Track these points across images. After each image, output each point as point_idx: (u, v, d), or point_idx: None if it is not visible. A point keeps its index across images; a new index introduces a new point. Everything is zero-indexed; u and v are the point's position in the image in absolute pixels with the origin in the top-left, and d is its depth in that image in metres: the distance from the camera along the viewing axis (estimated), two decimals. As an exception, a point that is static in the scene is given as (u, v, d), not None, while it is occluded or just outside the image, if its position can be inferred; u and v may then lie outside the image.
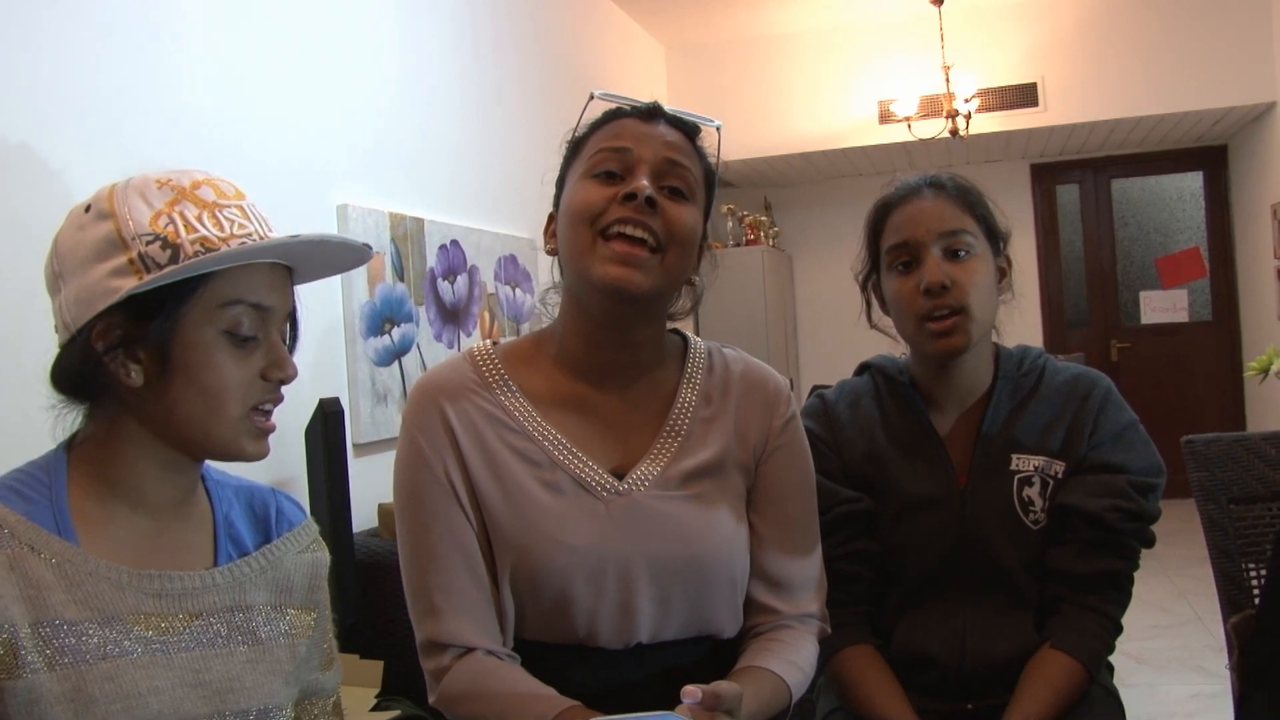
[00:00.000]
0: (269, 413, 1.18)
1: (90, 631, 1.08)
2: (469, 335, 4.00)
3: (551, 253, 1.44)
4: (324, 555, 1.31)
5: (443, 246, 3.84)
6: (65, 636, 1.07)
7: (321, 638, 1.30)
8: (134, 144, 2.48)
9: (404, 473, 1.38)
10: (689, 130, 1.41)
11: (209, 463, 1.23)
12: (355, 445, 3.23)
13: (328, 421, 2.78)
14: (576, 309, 1.40)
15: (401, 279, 3.57)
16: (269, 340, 1.16)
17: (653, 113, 1.39)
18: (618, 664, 1.35)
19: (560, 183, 1.44)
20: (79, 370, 1.11)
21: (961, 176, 1.71)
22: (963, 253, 1.63)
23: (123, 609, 1.11)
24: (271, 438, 1.20)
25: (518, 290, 4.42)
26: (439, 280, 3.81)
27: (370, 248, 1.25)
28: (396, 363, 3.52)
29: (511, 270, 4.37)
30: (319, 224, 3.11)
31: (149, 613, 1.13)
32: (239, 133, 2.85)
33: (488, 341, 1.48)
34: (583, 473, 1.37)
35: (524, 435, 1.38)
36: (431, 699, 1.35)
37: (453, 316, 3.90)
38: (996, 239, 1.69)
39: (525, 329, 4.45)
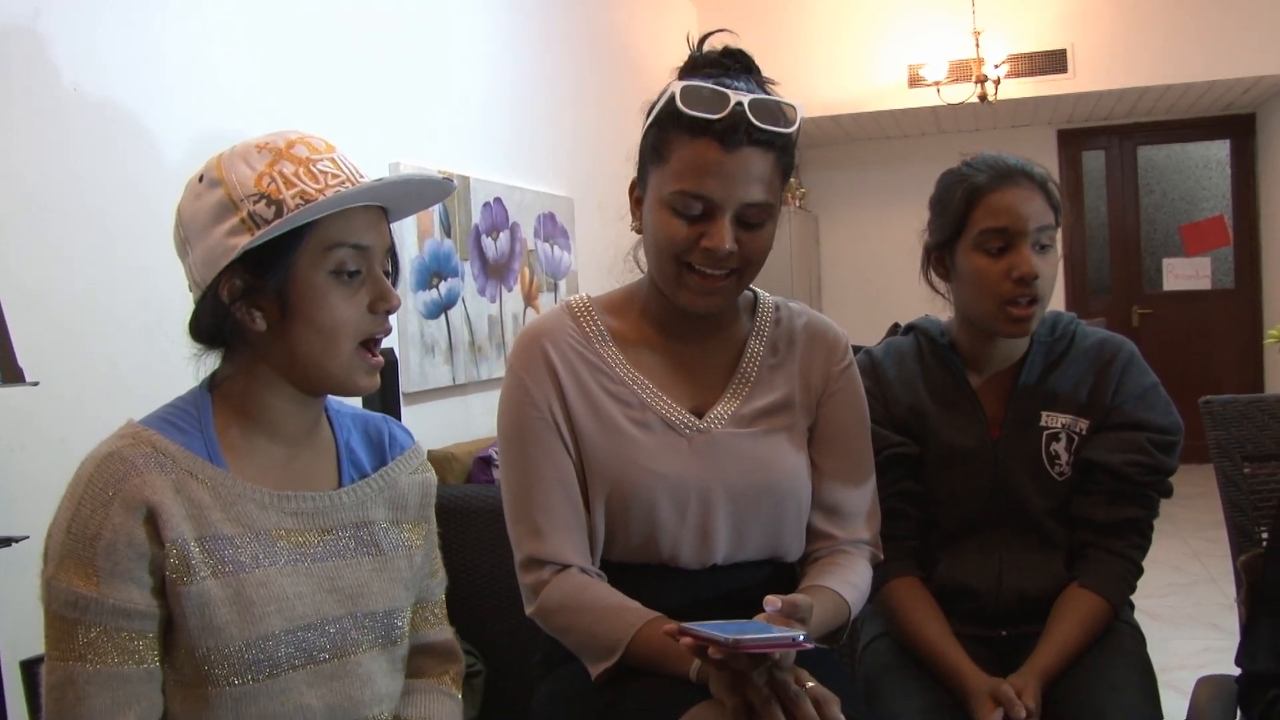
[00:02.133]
0: (378, 343, 1.31)
1: (244, 545, 1.24)
2: (510, 290, 4.13)
3: (637, 230, 1.55)
4: (432, 476, 1.46)
5: (486, 204, 3.96)
6: (225, 549, 1.22)
7: (431, 549, 1.46)
8: (209, 105, 2.61)
9: (510, 409, 1.52)
10: (773, 139, 1.42)
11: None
12: (405, 394, 3.37)
13: (385, 371, 2.90)
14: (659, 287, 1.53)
15: (448, 235, 3.69)
16: (373, 275, 1.28)
17: (734, 132, 1.38)
18: (695, 583, 1.50)
19: (644, 167, 1.50)
20: (212, 321, 1.25)
21: (1040, 166, 1.81)
22: (1047, 246, 1.75)
23: (268, 525, 1.26)
24: None
25: (555, 247, 4.54)
26: (483, 236, 3.94)
27: (452, 180, 1.36)
28: (443, 315, 3.66)
29: (550, 228, 4.49)
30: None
31: (289, 529, 1.28)
32: (299, 95, 2.97)
33: (584, 295, 1.61)
34: (667, 412, 1.52)
35: (615, 379, 1.53)
36: (529, 610, 1.49)
37: (495, 272, 4.02)
38: (1060, 226, 1.81)
39: (563, 285, 4.57)
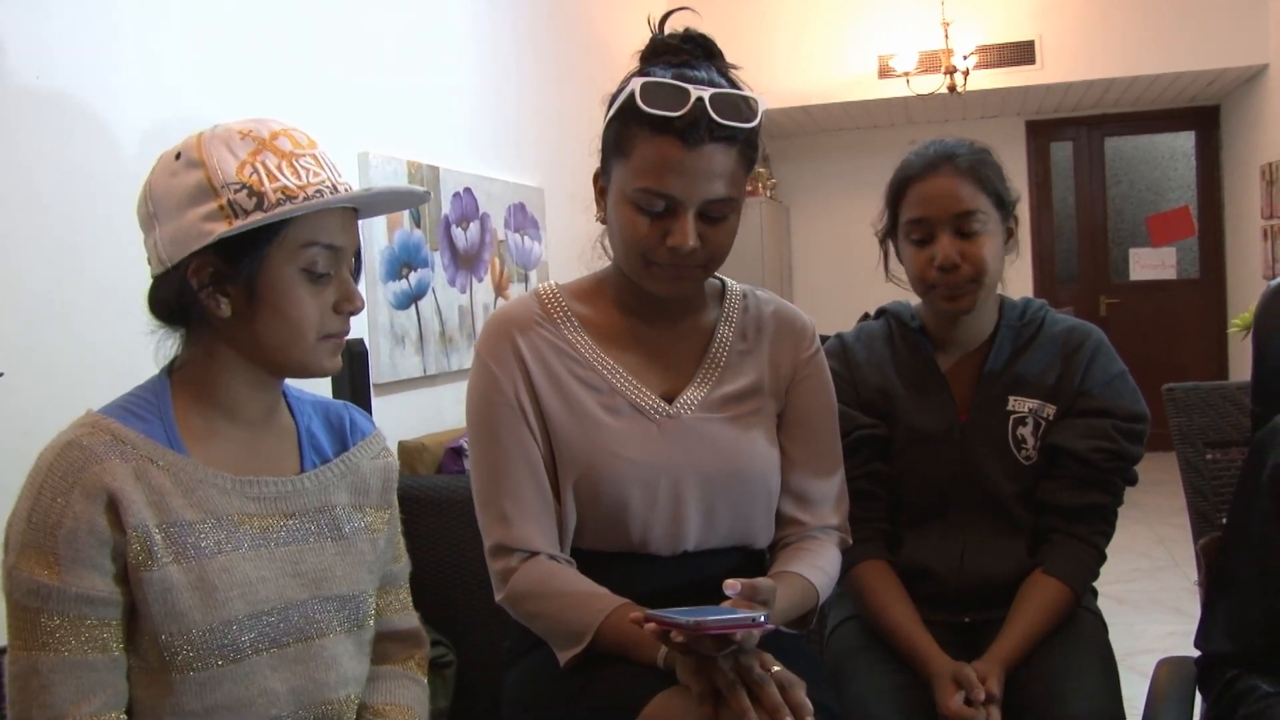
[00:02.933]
0: (340, 336, 1.32)
1: (206, 530, 1.24)
2: (480, 281, 4.12)
3: (601, 220, 1.56)
4: (394, 461, 1.47)
5: (456, 194, 3.95)
6: (187, 535, 1.23)
7: (395, 534, 1.47)
8: (171, 94, 2.59)
9: (478, 397, 1.53)
10: (734, 134, 1.42)
11: (288, 382, 1.39)
12: (375, 385, 3.36)
13: (354, 362, 2.90)
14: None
15: (418, 225, 3.68)
16: (340, 276, 1.30)
17: (696, 129, 1.38)
18: (666, 570, 1.50)
19: (606, 159, 1.50)
20: (175, 300, 1.26)
21: (980, 146, 1.83)
22: (973, 231, 1.77)
23: (230, 510, 1.27)
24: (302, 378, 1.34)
25: (526, 237, 4.54)
26: (453, 227, 3.93)
27: (429, 192, 1.37)
28: (413, 306, 3.65)
29: (520, 218, 4.48)
30: (343, 170, 3.22)
31: (250, 514, 1.29)
32: (266, 84, 2.95)
33: (553, 282, 1.61)
34: (637, 397, 1.52)
35: (585, 365, 1.53)
36: (499, 597, 1.50)
37: (466, 262, 4.01)
38: (1006, 207, 1.82)
39: (534, 275, 4.57)
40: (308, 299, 1.26)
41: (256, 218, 1.21)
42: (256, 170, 1.23)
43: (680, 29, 1.54)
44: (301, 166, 1.25)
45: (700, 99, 1.39)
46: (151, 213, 1.26)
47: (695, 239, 1.42)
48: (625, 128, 1.44)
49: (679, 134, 1.39)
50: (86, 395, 1.34)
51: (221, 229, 1.21)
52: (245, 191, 1.22)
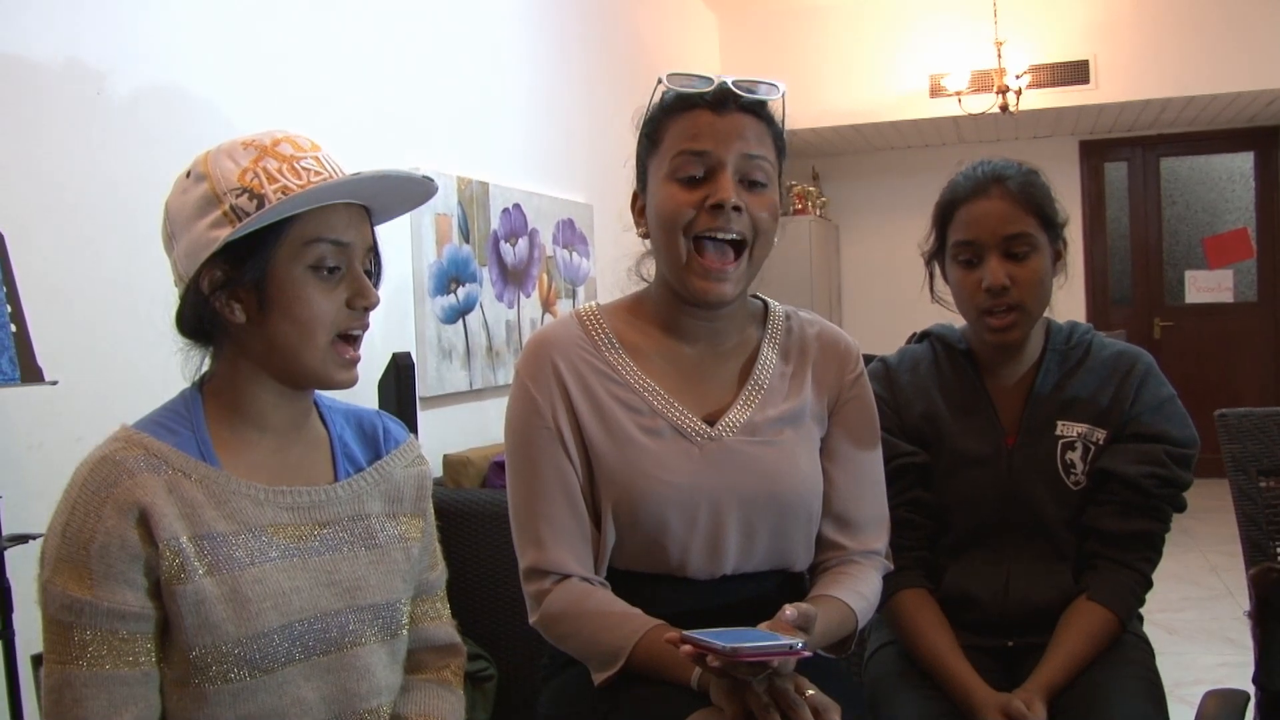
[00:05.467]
0: (357, 340, 1.32)
1: (239, 542, 1.25)
2: (528, 296, 4.14)
3: (644, 236, 1.56)
4: (428, 469, 1.47)
5: (505, 210, 3.98)
6: (220, 547, 1.23)
7: (429, 542, 1.46)
8: (239, 110, 2.63)
9: (516, 419, 1.53)
10: (758, 109, 1.49)
11: (321, 392, 1.40)
12: (421, 399, 3.39)
13: (400, 375, 2.93)
14: (669, 286, 1.53)
15: (467, 240, 3.71)
16: (352, 272, 1.29)
17: (724, 99, 1.46)
18: (703, 593, 1.50)
19: (641, 168, 1.54)
20: (195, 314, 1.27)
21: (1028, 167, 1.82)
22: (1022, 254, 1.75)
23: (263, 521, 1.28)
24: (346, 390, 1.34)
25: (574, 254, 4.55)
26: (501, 242, 3.95)
27: (433, 180, 1.38)
28: (461, 321, 3.67)
29: (569, 234, 4.50)
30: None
31: (284, 524, 1.29)
32: (318, 100, 2.99)
33: (594, 303, 1.62)
34: (679, 419, 1.51)
35: (626, 386, 1.52)
36: (532, 619, 1.49)
37: (514, 277, 4.04)
38: (1055, 230, 1.80)
39: (581, 292, 4.59)
40: (318, 297, 1.26)
41: (255, 217, 1.22)
42: (257, 175, 1.24)
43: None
44: (303, 168, 1.26)
45: (724, 81, 1.47)
46: (170, 232, 1.29)
47: (737, 196, 1.44)
48: (655, 124, 1.50)
49: (708, 105, 1.46)
50: (138, 404, 1.36)
51: (226, 234, 1.22)
52: (246, 195, 1.23)
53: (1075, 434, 1.79)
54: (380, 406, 3.02)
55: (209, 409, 1.30)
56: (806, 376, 1.59)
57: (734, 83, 1.46)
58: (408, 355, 3.01)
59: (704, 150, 1.44)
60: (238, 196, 1.23)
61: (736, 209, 1.44)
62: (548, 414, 1.50)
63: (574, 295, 4.53)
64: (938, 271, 1.89)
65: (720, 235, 1.45)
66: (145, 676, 1.21)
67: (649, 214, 1.52)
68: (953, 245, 1.80)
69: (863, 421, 1.61)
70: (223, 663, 1.21)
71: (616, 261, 4.76)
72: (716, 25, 6.86)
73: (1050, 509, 1.77)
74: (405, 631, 1.39)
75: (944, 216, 1.83)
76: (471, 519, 2.52)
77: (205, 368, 1.33)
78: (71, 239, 2.23)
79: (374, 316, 1.36)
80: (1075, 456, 1.78)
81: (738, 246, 1.47)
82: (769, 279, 1.56)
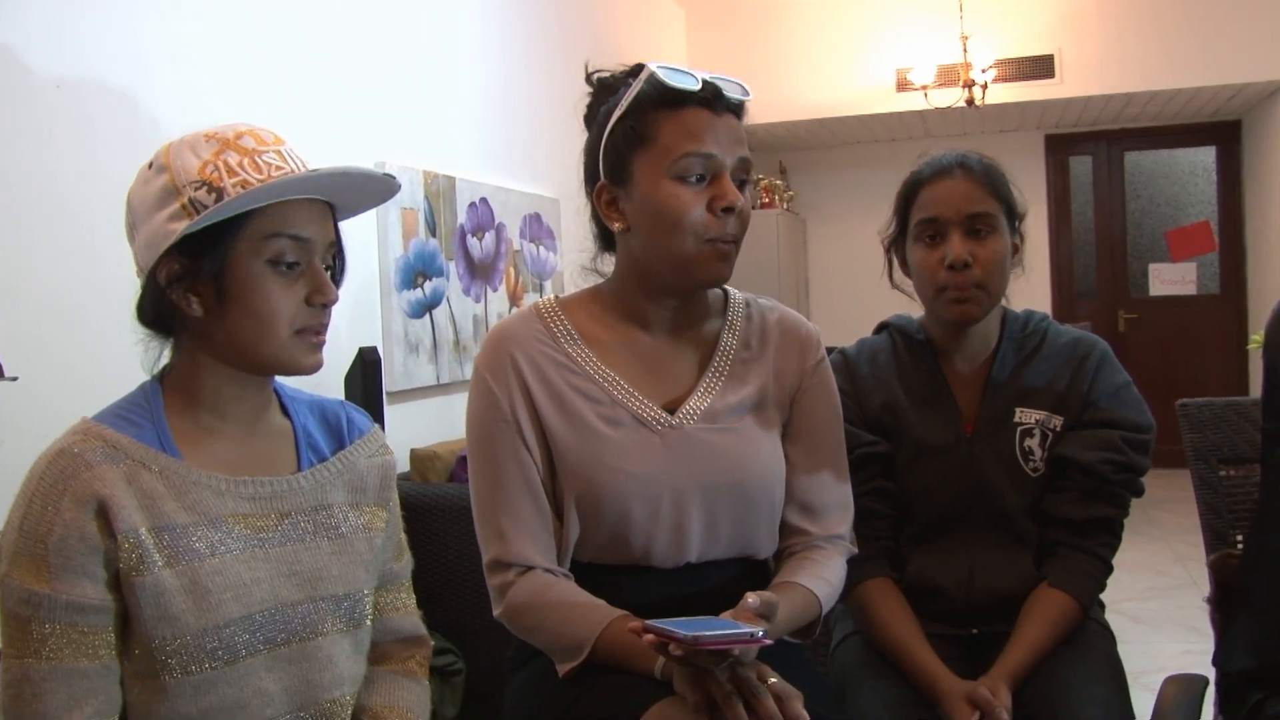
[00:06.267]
0: (319, 332, 1.31)
1: (199, 533, 1.24)
2: (495, 290, 4.13)
3: (623, 231, 1.53)
4: (392, 459, 1.47)
5: (472, 204, 3.96)
6: (179, 538, 1.23)
7: (394, 532, 1.46)
8: (194, 101, 2.61)
9: (476, 413, 1.53)
10: (740, 111, 1.51)
11: (283, 382, 1.39)
12: (388, 393, 3.37)
13: (367, 369, 2.92)
14: (646, 277, 1.53)
15: (434, 235, 3.69)
16: (312, 268, 1.29)
17: (717, 100, 1.47)
18: (667, 581, 1.50)
19: (621, 161, 1.50)
20: (153, 305, 1.27)
21: (988, 158, 1.85)
22: (984, 232, 1.77)
23: (224, 512, 1.27)
24: (312, 383, 1.34)
25: (541, 248, 4.55)
26: (468, 236, 3.94)
27: (394, 178, 1.37)
28: (428, 315, 3.66)
29: (536, 228, 4.49)
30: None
31: (245, 514, 1.29)
32: (284, 94, 2.97)
33: (551, 296, 1.62)
34: (639, 409, 1.51)
35: (585, 377, 1.52)
36: (497, 612, 1.49)
37: (481, 272, 4.03)
38: (1014, 218, 1.83)
39: (548, 286, 4.58)
40: (277, 292, 1.26)
41: (212, 210, 1.21)
42: (217, 168, 1.23)
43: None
44: (264, 162, 1.25)
45: (714, 80, 1.48)
46: (131, 223, 1.28)
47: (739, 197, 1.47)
48: (642, 117, 1.47)
49: (703, 103, 1.46)
50: (100, 400, 1.35)
51: (183, 226, 1.22)
52: (205, 188, 1.22)
53: (1033, 421, 1.81)
54: (347, 400, 3.00)
55: (169, 400, 1.30)
56: (767, 363, 1.59)
57: (715, 80, 1.47)
58: (374, 350, 3.00)
59: (710, 153, 1.45)
60: (196, 189, 1.22)
61: (741, 208, 1.48)
62: (507, 407, 1.50)
63: (541, 289, 4.52)
64: (896, 261, 1.90)
65: (727, 238, 1.48)
66: (105, 669, 1.20)
67: (641, 209, 1.49)
68: (916, 224, 1.81)
69: (824, 407, 1.62)
70: (183, 655, 1.20)
71: (584, 256, 4.76)
72: (684, 19, 6.86)
73: (1010, 497, 1.79)
74: (369, 622, 1.39)
75: (907, 198, 1.85)
76: (439, 513, 2.51)
77: (165, 359, 1.32)
78: (28, 234, 2.21)
79: (340, 311, 1.35)
80: (1033, 443, 1.80)
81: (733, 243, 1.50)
82: (736, 274, 1.56)
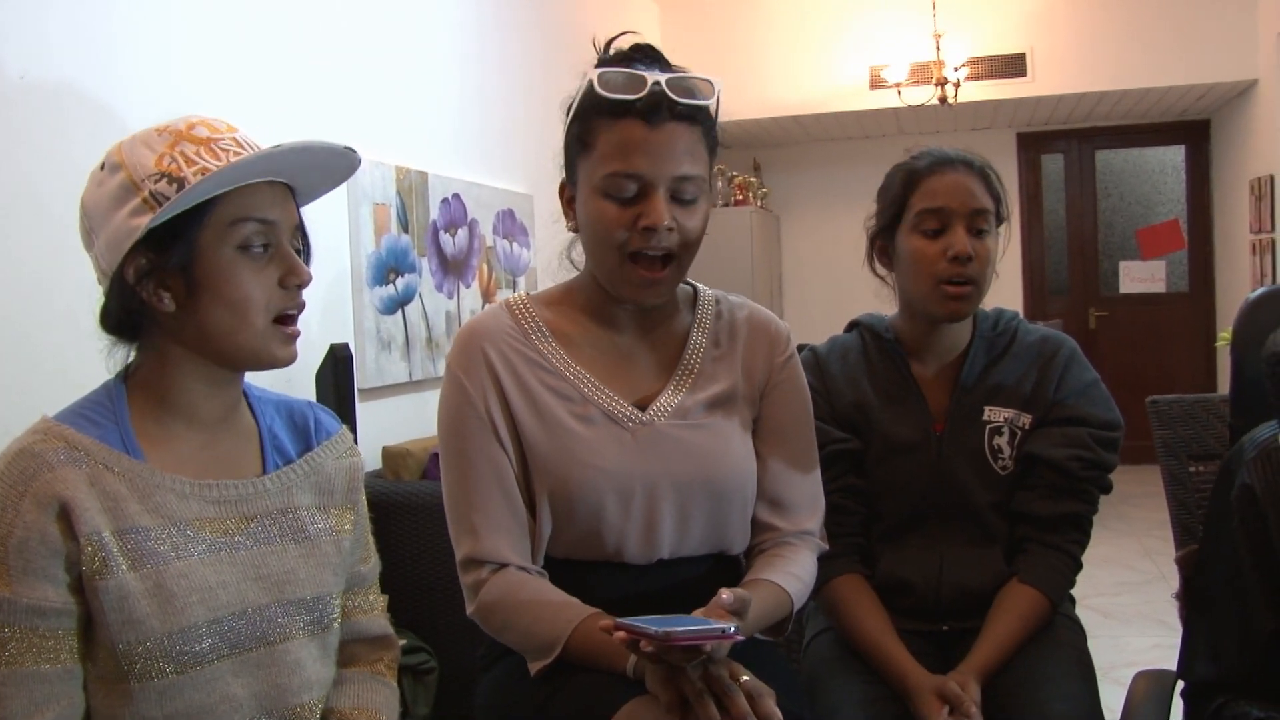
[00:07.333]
0: (294, 318, 1.30)
1: (163, 536, 1.22)
2: (468, 286, 4.11)
3: (573, 229, 1.55)
4: (359, 460, 1.45)
5: (445, 200, 3.94)
6: (143, 541, 1.21)
7: (361, 534, 1.45)
8: (163, 96, 2.58)
9: (448, 410, 1.52)
10: (695, 113, 1.45)
11: (250, 383, 1.37)
12: (360, 390, 3.35)
13: (338, 366, 2.89)
14: (600, 282, 1.53)
15: (406, 230, 3.67)
16: (281, 250, 1.28)
17: (657, 109, 1.41)
18: (640, 578, 1.50)
19: (571, 163, 1.51)
20: (121, 307, 1.24)
21: (984, 160, 1.85)
22: (983, 230, 1.78)
23: (188, 515, 1.25)
24: (284, 381, 1.31)
25: (514, 244, 4.53)
26: (441, 232, 3.92)
27: (355, 151, 1.36)
28: (400, 311, 3.63)
29: (509, 224, 4.47)
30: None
31: (210, 518, 1.27)
32: (255, 87, 2.94)
33: (522, 293, 1.61)
34: (610, 406, 1.51)
35: (557, 374, 1.52)
36: (470, 610, 1.49)
37: (454, 268, 4.01)
38: (1000, 221, 1.84)
39: (522, 282, 4.56)
40: (249, 278, 1.24)
41: (175, 199, 1.19)
42: (175, 159, 1.21)
43: (626, 45, 1.54)
44: (220, 149, 1.23)
45: (657, 82, 1.42)
46: (89, 228, 1.26)
47: (669, 218, 1.42)
48: (586, 122, 1.46)
49: (640, 115, 1.41)
50: (60, 400, 1.33)
51: (147, 220, 1.20)
52: (165, 180, 1.21)
53: (1002, 419, 1.82)
54: (318, 398, 2.98)
55: (134, 401, 1.27)
56: (737, 360, 1.59)
57: (669, 84, 1.42)
58: (346, 346, 2.97)
59: (636, 173, 1.42)
60: (156, 182, 1.20)
61: (669, 228, 1.43)
62: (479, 404, 1.49)
63: (514, 286, 4.50)
64: (877, 252, 1.90)
65: (651, 253, 1.45)
66: (67, 674, 1.18)
67: (580, 217, 1.50)
68: (918, 213, 1.80)
69: (794, 404, 1.62)
70: (148, 659, 1.19)
71: (557, 252, 4.75)
72: (658, 16, 6.85)
73: (979, 494, 1.80)
74: (337, 625, 1.38)
75: (906, 186, 1.82)
76: (412, 511, 2.50)
77: (130, 359, 1.30)
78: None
79: (311, 307, 1.34)
80: (1002, 441, 1.81)
81: (666, 258, 1.47)
82: (709, 271, 1.56)
